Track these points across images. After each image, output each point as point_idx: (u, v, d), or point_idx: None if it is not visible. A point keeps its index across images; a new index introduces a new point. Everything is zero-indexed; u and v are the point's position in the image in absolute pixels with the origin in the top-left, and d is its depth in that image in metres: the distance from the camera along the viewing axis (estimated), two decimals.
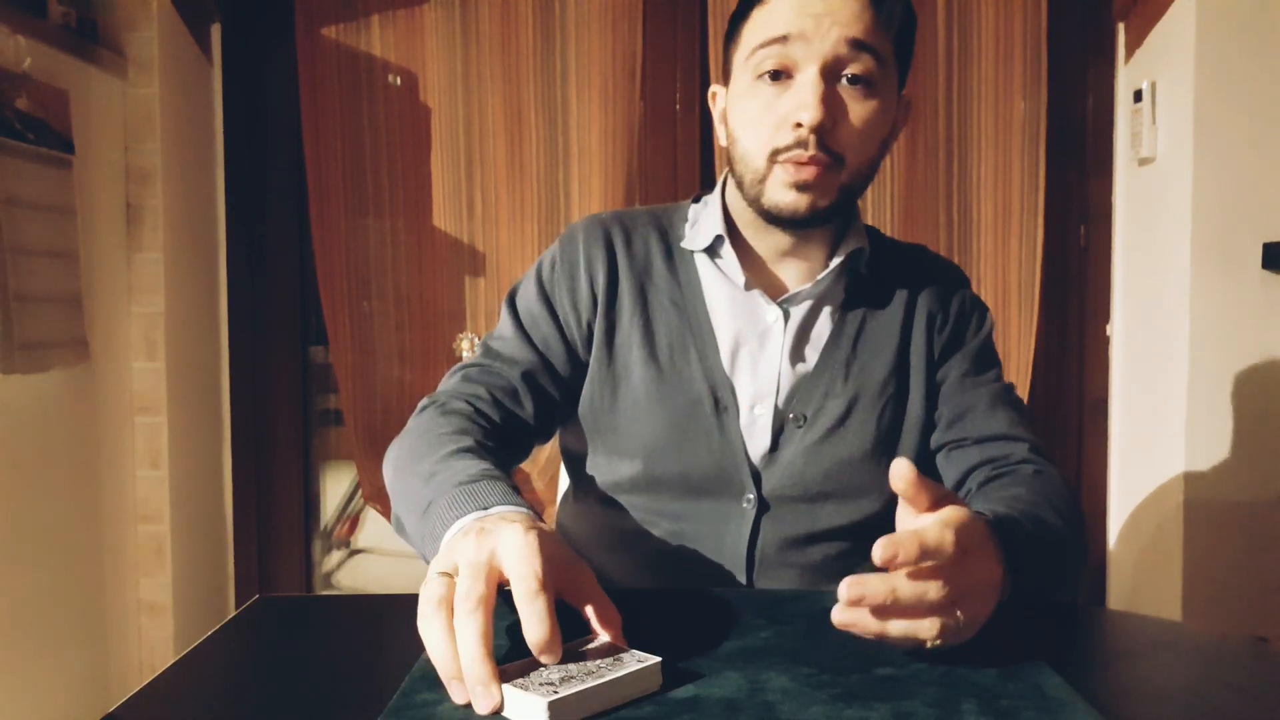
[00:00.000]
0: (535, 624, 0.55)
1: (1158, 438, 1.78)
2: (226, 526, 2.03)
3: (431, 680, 0.57)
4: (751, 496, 0.92)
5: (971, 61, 1.88)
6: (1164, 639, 0.74)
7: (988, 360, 0.99)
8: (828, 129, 0.84)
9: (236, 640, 0.69)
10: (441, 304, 1.96)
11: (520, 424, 0.93)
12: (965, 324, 0.99)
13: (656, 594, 0.78)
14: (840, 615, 0.58)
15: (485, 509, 0.67)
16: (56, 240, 1.54)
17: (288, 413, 2.06)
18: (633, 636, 0.61)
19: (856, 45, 0.83)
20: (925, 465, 0.98)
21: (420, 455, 0.79)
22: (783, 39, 0.83)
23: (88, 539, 1.69)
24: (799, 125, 0.83)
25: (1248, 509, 1.69)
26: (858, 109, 0.85)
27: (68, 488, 1.64)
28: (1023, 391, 1.90)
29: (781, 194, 0.87)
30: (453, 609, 0.56)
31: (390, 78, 1.92)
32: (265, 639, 0.69)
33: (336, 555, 2.21)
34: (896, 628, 0.58)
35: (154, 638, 1.84)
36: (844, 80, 0.84)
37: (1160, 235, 1.78)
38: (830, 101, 0.84)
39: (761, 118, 0.86)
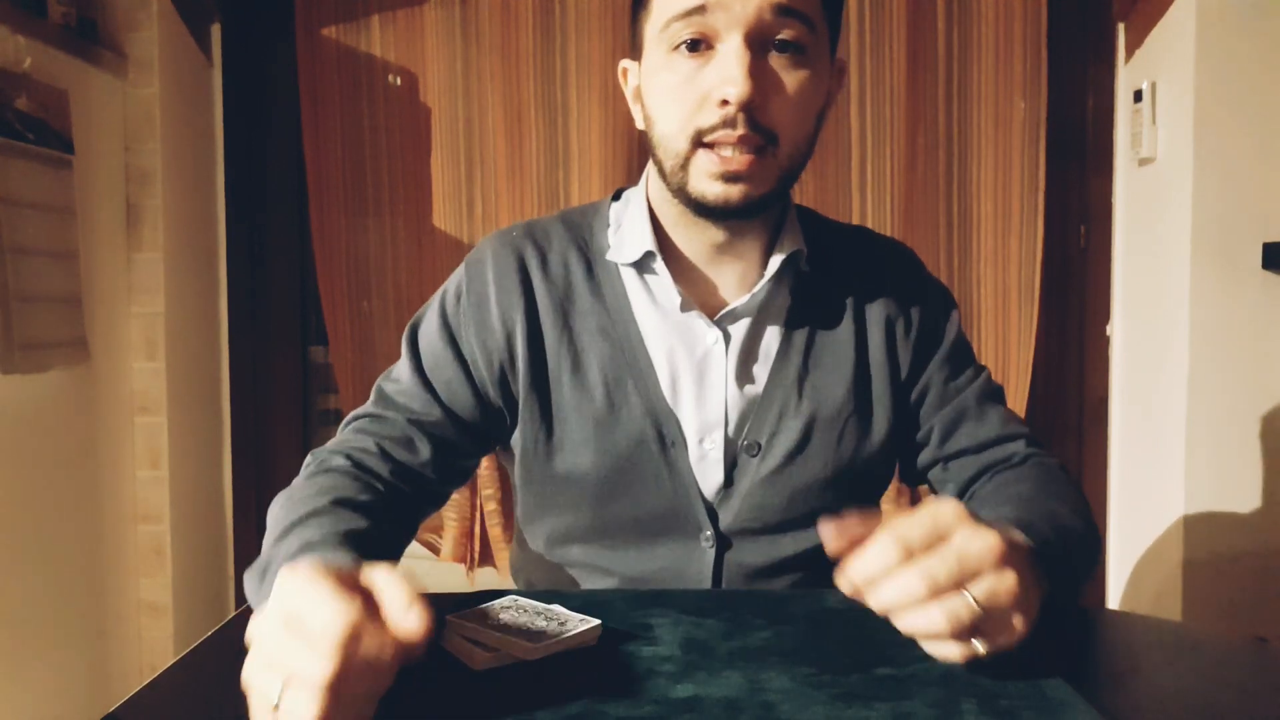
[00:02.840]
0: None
1: (1158, 438, 1.78)
2: (226, 526, 2.02)
3: None
4: (709, 534, 0.86)
5: (971, 61, 1.88)
6: (1164, 639, 0.74)
7: (965, 356, 0.92)
8: (757, 104, 0.74)
9: (236, 640, 0.69)
10: None
11: (415, 475, 0.83)
12: (932, 324, 0.91)
13: (656, 594, 0.78)
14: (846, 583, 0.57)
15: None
16: (56, 240, 1.54)
17: (288, 413, 2.06)
18: (632, 636, 0.61)
19: (783, 10, 0.73)
20: (903, 478, 0.95)
21: (277, 520, 0.71)
22: (700, 9, 0.73)
23: (88, 539, 1.69)
24: (725, 102, 0.73)
25: (1248, 509, 1.69)
26: (790, 79, 0.76)
27: (68, 488, 1.64)
28: (1023, 391, 1.90)
29: (707, 184, 0.77)
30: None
31: (390, 78, 1.92)
32: None
33: None
34: (905, 621, 0.56)
35: (154, 638, 1.84)
36: (772, 49, 0.75)
37: (1160, 235, 1.78)
38: (759, 74, 0.74)
39: (681, 95, 0.76)
